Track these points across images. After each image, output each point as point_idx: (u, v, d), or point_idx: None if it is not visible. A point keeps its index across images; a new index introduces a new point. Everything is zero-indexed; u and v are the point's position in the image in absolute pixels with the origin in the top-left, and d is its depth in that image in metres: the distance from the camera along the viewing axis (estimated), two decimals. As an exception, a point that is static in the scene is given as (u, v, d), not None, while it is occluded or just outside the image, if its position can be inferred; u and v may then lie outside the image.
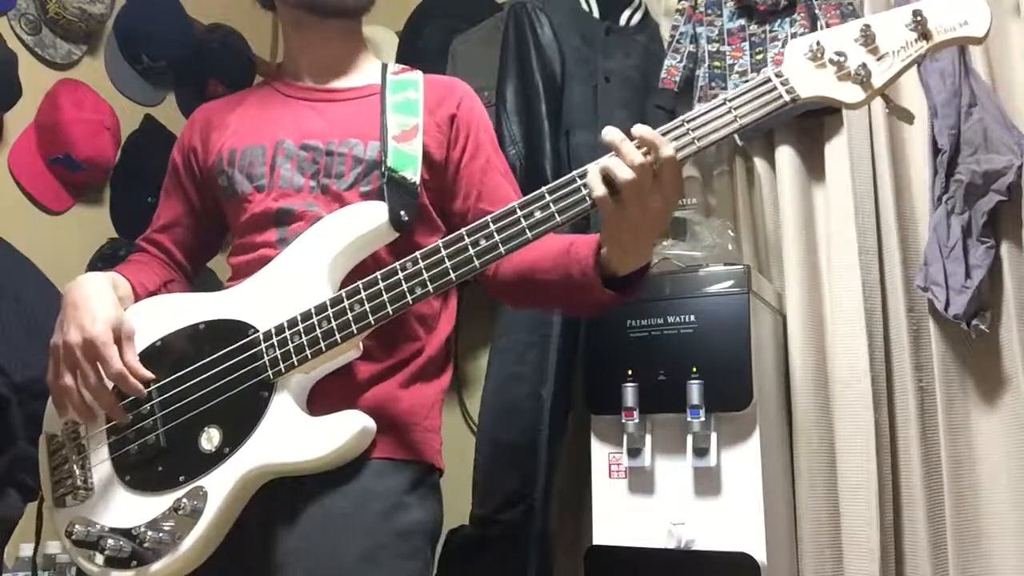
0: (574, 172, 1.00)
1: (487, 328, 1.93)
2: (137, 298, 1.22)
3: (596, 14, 2.07)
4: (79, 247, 2.15)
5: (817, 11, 1.87)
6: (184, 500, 1.04)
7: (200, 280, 1.43)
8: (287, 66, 1.33)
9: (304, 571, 1.05)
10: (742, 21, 1.96)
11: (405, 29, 2.44)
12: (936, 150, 1.68)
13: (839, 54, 0.97)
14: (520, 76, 1.95)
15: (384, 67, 1.31)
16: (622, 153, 0.95)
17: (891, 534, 1.66)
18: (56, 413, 1.16)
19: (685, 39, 2.00)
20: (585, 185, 0.98)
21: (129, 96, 2.34)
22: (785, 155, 1.88)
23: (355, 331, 1.05)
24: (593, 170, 0.97)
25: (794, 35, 1.90)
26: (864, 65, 0.96)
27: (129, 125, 2.30)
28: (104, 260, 2.15)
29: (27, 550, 1.70)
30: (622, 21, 2.09)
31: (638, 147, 0.95)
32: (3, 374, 1.32)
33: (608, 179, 0.95)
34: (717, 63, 1.96)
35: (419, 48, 2.35)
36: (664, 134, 0.97)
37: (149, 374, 1.11)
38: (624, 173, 0.94)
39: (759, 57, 1.92)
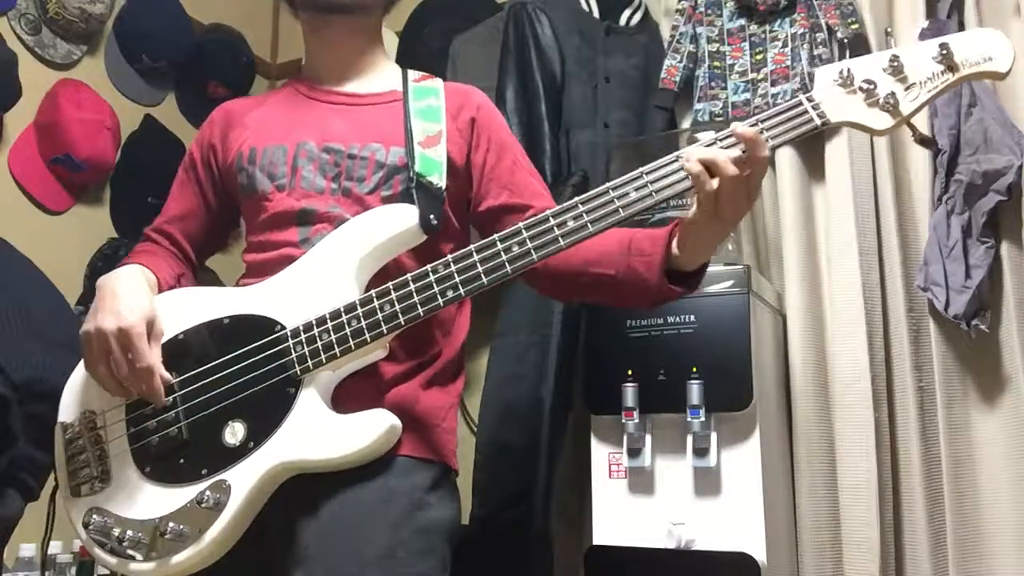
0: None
1: (487, 328, 1.92)
2: (160, 292, 1.23)
3: (596, 14, 2.07)
4: (79, 247, 2.16)
5: (817, 11, 1.87)
6: (207, 493, 1.04)
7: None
8: (309, 69, 1.34)
9: (325, 565, 1.05)
10: (742, 21, 1.96)
11: (405, 29, 2.44)
12: (936, 150, 1.68)
13: (868, 82, 1.00)
14: (520, 76, 1.95)
15: (405, 73, 1.32)
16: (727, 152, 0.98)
17: (891, 533, 1.66)
18: (72, 401, 1.17)
19: (685, 39, 2.01)
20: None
21: (129, 96, 2.34)
22: (785, 155, 1.88)
23: (384, 331, 1.06)
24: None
25: (794, 35, 1.90)
26: (893, 94, 0.99)
27: (129, 125, 2.30)
28: (104, 260, 2.15)
29: (27, 550, 1.70)
30: (622, 21, 2.09)
31: (737, 143, 0.99)
32: (3, 374, 1.32)
33: (709, 170, 0.98)
34: (717, 63, 1.96)
35: (419, 48, 2.35)
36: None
37: (169, 376, 1.11)
38: (729, 170, 0.97)
39: (759, 57, 1.93)
